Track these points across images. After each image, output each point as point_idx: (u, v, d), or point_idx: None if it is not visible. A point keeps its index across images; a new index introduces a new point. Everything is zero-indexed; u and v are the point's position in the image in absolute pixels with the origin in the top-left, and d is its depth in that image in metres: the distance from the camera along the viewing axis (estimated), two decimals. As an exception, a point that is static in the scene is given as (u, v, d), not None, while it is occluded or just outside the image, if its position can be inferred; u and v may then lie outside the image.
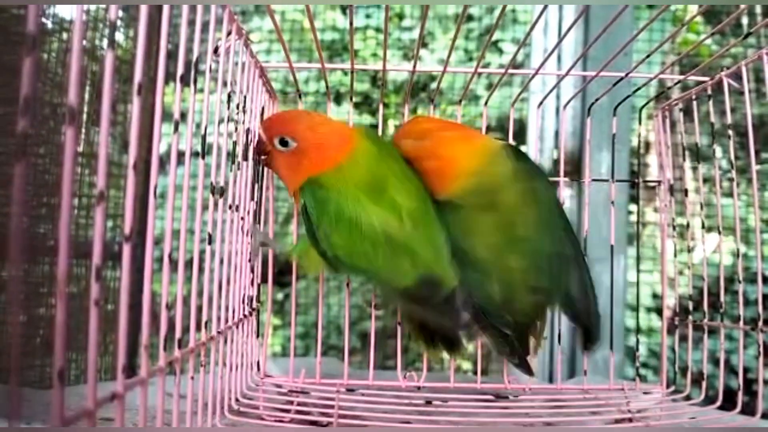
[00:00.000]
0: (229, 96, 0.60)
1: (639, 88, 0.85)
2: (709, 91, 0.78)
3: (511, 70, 0.81)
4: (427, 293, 0.64)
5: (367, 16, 1.74)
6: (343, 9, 1.70)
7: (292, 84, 0.91)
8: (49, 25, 1.11)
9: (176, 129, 0.43)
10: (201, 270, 0.53)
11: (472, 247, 0.67)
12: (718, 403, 0.74)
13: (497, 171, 0.69)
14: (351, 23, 0.72)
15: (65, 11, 1.10)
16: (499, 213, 0.68)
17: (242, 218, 0.69)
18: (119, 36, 1.23)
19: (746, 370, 0.74)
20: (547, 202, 0.72)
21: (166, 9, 0.41)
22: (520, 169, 0.70)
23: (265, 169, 0.81)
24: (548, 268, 0.68)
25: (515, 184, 0.69)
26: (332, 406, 0.70)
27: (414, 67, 0.83)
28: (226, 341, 0.60)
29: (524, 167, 0.71)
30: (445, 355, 0.74)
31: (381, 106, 0.88)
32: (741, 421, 0.71)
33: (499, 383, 0.83)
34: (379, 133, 0.84)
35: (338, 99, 1.72)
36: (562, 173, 0.90)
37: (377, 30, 1.73)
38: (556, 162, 1.19)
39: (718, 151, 0.81)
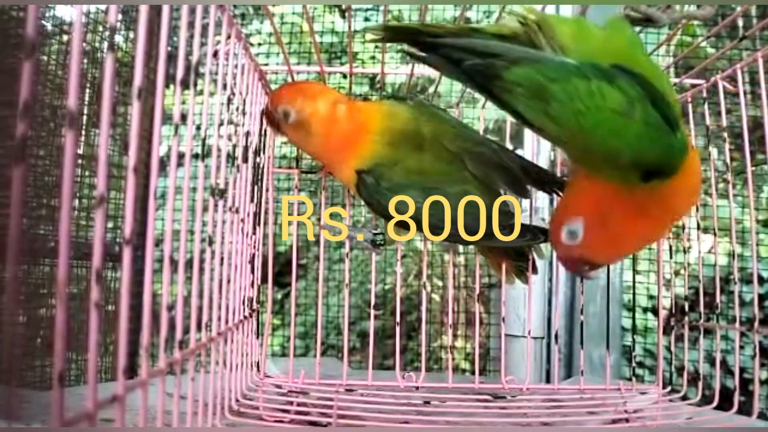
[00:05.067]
0: (228, 99, 0.61)
1: (635, 90, 0.85)
2: (705, 94, 0.78)
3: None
4: None
5: (366, 20, 1.75)
6: (342, 12, 1.71)
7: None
8: (49, 27, 1.11)
9: (176, 131, 0.43)
10: (201, 271, 0.53)
11: (435, 185, 0.71)
12: (715, 403, 0.74)
13: (402, 117, 0.72)
14: (350, 26, 0.72)
15: (65, 13, 1.11)
16: (427, 144, 0.71)
17: (242, 220, 0.70)
18: (119, 38, 1.23)
19: (742, 370, 0.74)
20: (441, 113, 0.76)
21: (165, 12, 0.41)
22: (411, 105, 0.74)
23: (265, 170, 0.81)
24: (492, 157, 0.73)
25: (420, 117, 0.72)
26: (331, 407, 0.70)
27: (412, 70, 0.83)
28: (226, 342, 0.61)
29: (411, 102, 0.75)
30: None
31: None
32: (737, 421, 0.72)
33: (496, 383, 0.84)
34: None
35: (337, 101, 1.72)
36: (558, 174, 0.91)
37: (376, 32, 1.73)
38: (553, 163, 1.20)
39: (714, 153, 0.81)
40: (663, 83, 0.53)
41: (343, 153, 0.71)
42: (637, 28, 0.59)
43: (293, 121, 0.70)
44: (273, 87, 0.83)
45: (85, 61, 1.14)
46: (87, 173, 1.15)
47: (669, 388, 0.82)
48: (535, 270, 0.81)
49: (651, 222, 0.58)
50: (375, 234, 0.79)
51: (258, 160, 0.76)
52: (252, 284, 0.75)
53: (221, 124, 0.61)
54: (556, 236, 0.60)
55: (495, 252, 0.82)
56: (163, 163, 0.50)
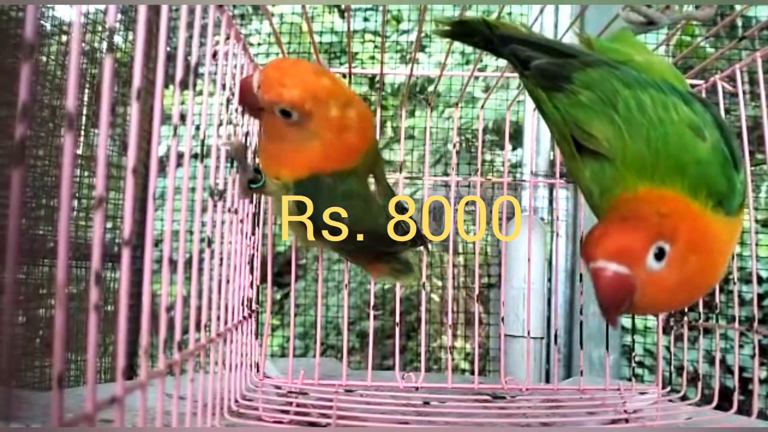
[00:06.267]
0: (228, 99, 0.61)
1: (635, 90, 0.85)
2: (704, 94, 0.78)
3: (507, 73, 0.82)
4: None
5: (365, 20, 1.75)
6: (341, 12, 1.71)
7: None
8: (48, 27, 1.11)
9: (175, 132, 0.43)
10: (200, 272, 0.53)
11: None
12: (714, 403, 0.74)
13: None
14: (349, 26, 0.72)
15: (64, 13, 1.11)
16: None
17: (241, 220, 0.70)
18: (118, 39, 1.23)
19: (742, 369, 0.74)
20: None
21: (164, 12, 0.41)
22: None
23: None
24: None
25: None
26: (331, 407, 0.70)
27: (411, 70, 0.83)
28: (225, 342, 0.61)
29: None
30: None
31: (379, 109, 0.89)
32: (737, 421, 0.72)
33: (496, 384, 0.84)
34: (377, 136, 0.85)
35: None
36: (557, 175, 0.91)
37: (375, 33, 1.74)
38: (552, 164, 1.20)
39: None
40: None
41: (332, 159, 0.64)
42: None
43: (292, 122, 0.61)
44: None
45: (85, 61, 1.14)
46: (86, 174, 1.15)
47: (668, 388, 0.82)
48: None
49: (722, 264, 0.47)
50: (257, 171, 0.67)
51: (257, 160, 0.76)
52: (251, 284, 0.75)
53: (220, 124, 0.61)
54: (627, 250, 0.43)
55: (367, 257, 0.77)
56: (162, 164, 0.50)
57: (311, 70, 0.63)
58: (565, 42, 0.56)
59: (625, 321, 1.34)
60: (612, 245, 0.44)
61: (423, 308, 0.86)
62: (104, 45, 1.16)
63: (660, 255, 0.44)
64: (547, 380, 1.16)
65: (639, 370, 1.32)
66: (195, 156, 0.51)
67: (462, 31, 0.58)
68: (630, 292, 0.43)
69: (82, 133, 1.16)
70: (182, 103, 0.45)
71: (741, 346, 0.73)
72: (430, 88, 1.68)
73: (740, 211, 0.50)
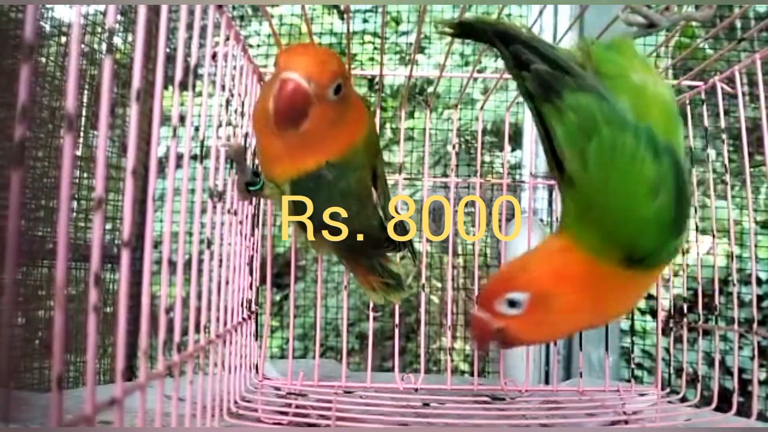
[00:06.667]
0: (227, 100, 0.61)
1: (634, 92, 0.85)
2: (703, 95, 0.78)
3: (506, 75, 0.82)
4: None
5: (365, 21, 1.75)
6: (341, 13, 1.71)
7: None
8: (48, 28, 1.11)
9: (175, 133, 0.43)
10: (200, 273, 0.53)
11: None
12: (714, 405, 0.74)
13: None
14: (348, 28, 0.72)
15: (63, 14, 1.11)
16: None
17: (240, 222, 0.70)
18: (118, 40, 1.23)
19: (741, 371, 0.74)
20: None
21: (164, 13, 0.41)
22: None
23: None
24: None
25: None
26: (330, 408, 0.70)
27: (410, 71, 0.83)
28: (224, 344, 0.61)
29: None
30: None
31: (378, 110, 0.89)
32: (736, 422, 0.72)
33: (495, 385, 0.84)
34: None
35: (336, 102, 1.71)
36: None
37: (374, 35, 1.74)
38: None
39: (712, 154, 0.82)
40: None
41: (335, 138, 0.61)
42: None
43: (340, 97, 0.58)
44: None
45: (84, 62, 1.14)
46: (85, 175, 1.15)
47: (668, 390, 0.82)
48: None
49: (602, 308, 0.54)
50: (256, 174, 0.66)
51: (256, 161, 0.76)
52: (250, 286, 0.75)
53: (220, 125, 0.61)
54: (485, 300, 0.53)
55: (361, 268, 0.76)
56: (162, 165, 0.50)
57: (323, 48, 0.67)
58: (566, 49, 0.55)
59: (624, 323, 1.34)
60: (481, 296, 0.55)
61: (422, 310, 0.86)
62: (104, 46, 1.16)
63: (513, 303, 0.52)
64: (547, 381, 1.16)
65: (638, 372, 1.32)
66: (194, 157, 0.51)
67: (463, 31, 0.59)
68: (491, 333, 0.53)
69: (82, 134, 1.15)
70: (182, 104, 0.45)
71: (740, 348, 0.73)
72: (430, 90, 1.68)
73: (663, 265, 0.56)
